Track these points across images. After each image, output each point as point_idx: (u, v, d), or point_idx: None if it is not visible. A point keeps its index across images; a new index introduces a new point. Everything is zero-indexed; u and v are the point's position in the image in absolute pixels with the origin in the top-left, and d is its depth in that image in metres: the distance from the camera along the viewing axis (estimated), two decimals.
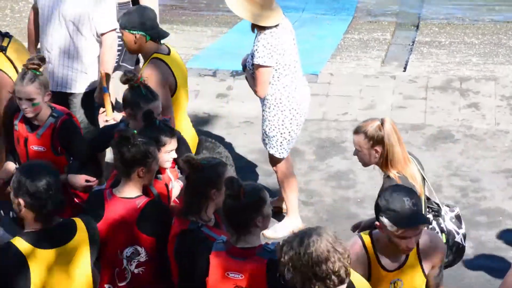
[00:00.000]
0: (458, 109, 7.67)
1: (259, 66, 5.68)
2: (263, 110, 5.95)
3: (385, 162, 4.45)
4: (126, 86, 4.74)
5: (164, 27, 9.59)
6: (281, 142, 5.85)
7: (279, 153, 5.90)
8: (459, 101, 7.78)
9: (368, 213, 6.28)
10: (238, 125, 7.47)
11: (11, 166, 4.93)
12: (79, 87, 5.81)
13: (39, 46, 5.98)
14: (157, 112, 4.62)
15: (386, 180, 4.49)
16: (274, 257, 3.57)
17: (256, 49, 5.69)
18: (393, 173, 4.45)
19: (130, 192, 4.14)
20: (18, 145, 4.87)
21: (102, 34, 5.68)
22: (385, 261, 3.71)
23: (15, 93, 4.76)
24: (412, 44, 9.15)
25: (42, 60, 4.77)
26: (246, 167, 6.83)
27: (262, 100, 5.90)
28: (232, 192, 3.65)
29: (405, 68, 8.46)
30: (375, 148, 4.43)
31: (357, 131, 4.47)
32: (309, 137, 7.12)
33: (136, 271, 4.13)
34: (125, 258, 4.12)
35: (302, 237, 3.15)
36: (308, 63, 8.49)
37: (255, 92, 5.85)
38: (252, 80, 5.85)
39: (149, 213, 4.09)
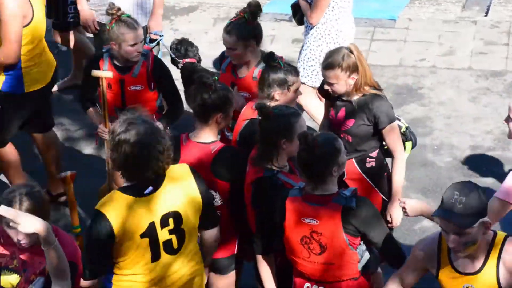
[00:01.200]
0: None
1: None
2: (306, 38, 5.90)
3: (359, 84, 4.46)
4: None
5: None
6: (317, 72, 5.69)
7: (312, 81, 5.87)
8: None
9: (444, 160, 6.21)
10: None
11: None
12: None
13: None
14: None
15: (374, 97, 4.49)
16: (349, 203, 3.63)
17: None
18: (368, 90, 4.48)
19: (206, 137, 4.18)
20: (109, 90, 4.90)
21: None
22: (458, 262, 3.46)
23: (124, 41, 4.74)
24: None
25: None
26: None
27: (309, 28, 5.86)
28: (305, 146, 3.66)
29: (486, 13, 8.21)
30: (352, 76, 4.43)
31: (330, 66, 4.42)
32: (385, 83, 7.02)
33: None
34: None
35: None
36: (386, 8, 8.35)
37: (309, 18, 5.79)
38: (308, 5, 5.80)
39: (223, 158, 4.13)
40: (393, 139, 4.54)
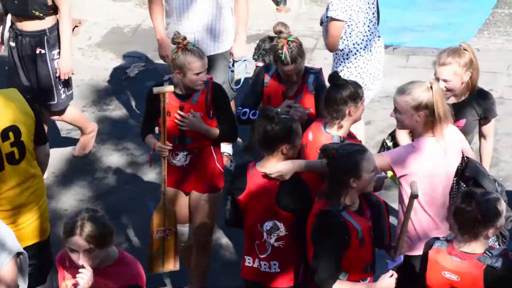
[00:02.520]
0: None
1: (332, 19, 5.67)
2: (333, 65, 5.95)
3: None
4: None
5: (308, 0, 9.67)
6: None
7: None
8: None
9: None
10: (378, 100, 7.38)
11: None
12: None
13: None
14: (294, 70, 4.80)
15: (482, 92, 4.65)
16: (494, 264, 3.52)
17: (331, 1, 5.69)
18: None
19: (267, 167, 4.20)
20: (168, 118, 4.90)
21: None
22: None
23: (190, 69, 4.79)
24: None
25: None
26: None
27: (334, 54, 5.92)
28: (470, 208, 3.57)
29: None
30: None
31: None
32: None
33: (276, 244, 4.21)
34: (265, 231, 4.21)
35: None
36: (454, 38, 8.25)
37: (326, 45, 5.87)
38: (325, 34, 5.84)
39: (288, 189, 4.15)
40: (492, 127, 4.91)
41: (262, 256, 4.24)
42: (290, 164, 4.18)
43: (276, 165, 4.17)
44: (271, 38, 6.22)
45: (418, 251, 4.08)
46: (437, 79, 4.65)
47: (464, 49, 4.64)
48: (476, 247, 3.59)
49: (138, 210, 6.09)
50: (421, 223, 4.24)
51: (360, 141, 4.61)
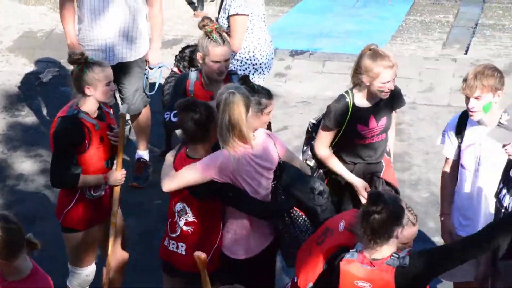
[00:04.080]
0: None
1: (237, 15, 5.65)
2: (231, 64, 5.71)
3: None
4: None
5: None
6: None
7: None
8: None
9: (422, 195, 6.20)
10: (295, 105, 7.44)
11: None
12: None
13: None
14: (225, 57, 4.69)
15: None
16: (403, 264, 3.54)
17: (230, 2, 5.66)
18: None
19: (196, 153, 4.22)
20: (101, 144, 4.65)
21: None
22: None
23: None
24: (475, 27, 8.95)
25: None
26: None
27: (233, 55, 5.70)
28: (377, 208, 3.55)
29: (466, 51, 8.29)
30: None
31: None
32: None
33: (185, 228, 4.25)
34: (176, 212, 4.25)
35: None
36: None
37: (233, 45, 5.43)
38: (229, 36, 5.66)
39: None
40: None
41: (172, 235, 4.29)
42: None
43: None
44: (189, 47, 6.21)
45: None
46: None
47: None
48: (386, 251, 3.60)
49: (52, 218, 5.95)
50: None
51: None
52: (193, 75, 4.83)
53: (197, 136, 4.21)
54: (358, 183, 4.71)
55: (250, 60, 5.82)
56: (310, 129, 4.92)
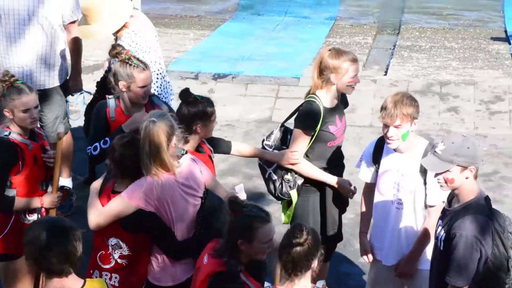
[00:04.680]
0: (437, 113, 7.68)
1: None
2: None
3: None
4: None
5: None
6: None
7: None
8: (439, 105, 7.78)
9: (348, 216, 6.25)
10: (219, 128, 7.42)
11: None
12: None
13: None
14: (150, 81, 4.67)
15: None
16: None
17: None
18: None
19: (124, 187, 4.15)
20: (35, 165, 4.59)
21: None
22: None
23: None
24: (393, 48, 9.15)
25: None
26: (227, 170, 6.79)
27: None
28: (300, 240, 3.49)
29: (386, 72, 8.46)
30: None
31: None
32: None
33: (119, 261, 4.17)
34: (110, 245, 4.17)
35: None
36: (290, 67, 8.50)
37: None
38: None
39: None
40: None
41: (104, 267, 4.20)
42: None
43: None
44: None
45: None
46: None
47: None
48: (304, 284, 3.54)
49: None
50: None
51: (210, 153, 4.63)
52: (111, 102, 4.77)
53: (132, 171, 4.14)
54: (342, 181, 4.89)
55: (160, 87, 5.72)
56: (267, 148, 4.89)
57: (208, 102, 4.53)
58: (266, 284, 3.58)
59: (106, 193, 4.18)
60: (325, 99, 4.77)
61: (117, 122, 4.70)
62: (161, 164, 4.04)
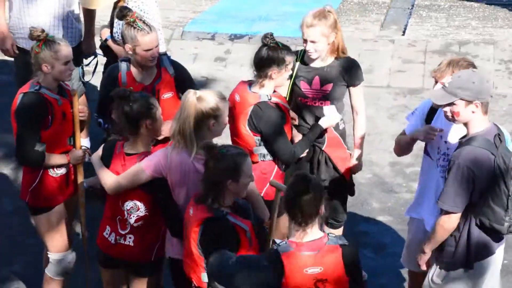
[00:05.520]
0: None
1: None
2: None
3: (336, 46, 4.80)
4: None
5: None
6: None
7: None
8: None
9: (365, 176, 6.26)
10: None
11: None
12: None
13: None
14: (156, 43, 4.65)
15: (349, 59, 4.90)
16: (344, 243, 3.59)
17: None
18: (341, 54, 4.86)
19: (135, 148, 4.17)
20: (64, 120, 4.63)
21: None
22: None
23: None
24: (412, 8, 9.05)
25: None
26: None
27: None
28: (304, 188, 3.56)
29: (404, 32, 8.38)
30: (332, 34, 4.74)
31: (314, 24, 4.69)
32: None
33: (135, 224, 4.20)
34: (126, 210, 4.19)
35: None
36: None
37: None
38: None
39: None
40: (362, 95, 4.97)
41: (121, 232, 4.23)
42: None
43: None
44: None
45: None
46: (305, 41, 4.75)
47: (328, 11, 4.79)
48: (316, 231, 3.61)
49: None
50: None
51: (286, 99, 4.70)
52: (123, 65, 4.77)
53: (125, 130, 4.17)
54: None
55: None
56: None
57: (289, 51, 4.59)
58: (278, 240, 3.64)
59: (119, 159, 4.19)
60: (306, 56, 4.81)
61: (130, 87, 4.62)
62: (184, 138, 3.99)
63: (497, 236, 4.04)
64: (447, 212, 3.93)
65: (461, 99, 3.85)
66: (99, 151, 4.31)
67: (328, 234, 3.62)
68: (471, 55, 7.84)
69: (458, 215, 3.93)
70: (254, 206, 4.05)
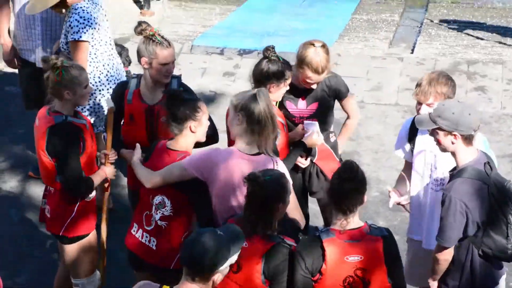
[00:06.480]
0: (465, 92, 7.60)
1: (75, 42, 5.29)
2: None
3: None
4: None
5: (172, 4, 9.62)
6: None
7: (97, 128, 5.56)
8: (466, 84, 7.71)
9: (372, 194, 6.25)
10: None
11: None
12: None
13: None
14: (173, 59, 4.65)
15: (330, 77, 4.89)
16: (384, 234, 3.66)
17: (70, 25, 5.29)
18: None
19: (177, 146, 4.21)
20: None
21: None
22: None
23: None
24: (421, 26, 9.06)
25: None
26: None
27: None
28: (350, 175, 3.63)
29: (412, 50, 8.38)
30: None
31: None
32: None
33: (159, 222, 4.20)
34: (154, 205, 4.21)
35: None
36: None
37: None
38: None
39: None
40: (354, 103, 5.10)
41: (146, 228, 4.25)
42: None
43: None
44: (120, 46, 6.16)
45: None
46: (307, 77, 4.74)
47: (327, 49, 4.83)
48: (357, 220, 3.67)
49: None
50: None
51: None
52: (133, 82, 4.75)
53: (170, 129, 4.20)
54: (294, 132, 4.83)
55: (96, 85, 5.48)
56: None
57: (288, 65, 4.63)
58: (320, 227, 3.71)
59: (159, 153, 4.21)
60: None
61: (133, 106, 4.67)
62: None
63: (499, 264, 4.01)
64: (441, 247, 3.93)
65: (439, 128, 3.86)
66: (137, 153, 4.33)
67: (370, 225, 3.69)
68: (480, 75, 7.84)
69: (452, 248, 3.92)
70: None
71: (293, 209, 4.06)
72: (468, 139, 3.87)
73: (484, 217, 3.85)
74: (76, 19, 5.28)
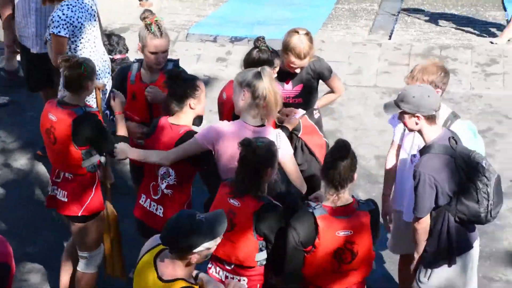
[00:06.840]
0: None
1: (54, 35, 5.19)
2: None
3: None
4: None
5: None
6: None
7: None
8: None
9: None
10: None
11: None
12: None
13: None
14: (163, 49, 4.56)
15: (314, 61, 4.85)
16: (371, 208, 3.65)
17: (52, 19, 5.21)
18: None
19: (178, 121, 4.19)
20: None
21: None
22: None
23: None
24: (398, 14, 8.97)
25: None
26: None
27: None
28: (342, 154, 3.59)
29: (390, 37, 8.30)
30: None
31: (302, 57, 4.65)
32: None
33: (165, 191, 4.20)
34: (159, 175, 4.20)
35: None
36: None
37: (53, 62, 5.29)
38: (50, 51, 5.33)
39: (186, 139, 4.12)
40: (338, 82, 5.02)
41: (154, 197, 4.24)
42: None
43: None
44: (108, 35, 6.10)
45: None
46: (291, 62, 4.68)
47: (311, 37, 4.79)
48: (348, 197, 3.63)
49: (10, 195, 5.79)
50: None
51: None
52: (135, 66, 4.73)
53: (171, 106, 4.18)
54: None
55: None
56: None
57: (277, 54, 4.57)
58: (313, 204, 3.63)
59: (162, 127, 4.18)
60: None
61: (135, 86, 4.65)
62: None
63: (473, 228, 3.99)
64: (416, 218, 3.92)
65: (403, 111, 3.83)
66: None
67: (358, 200, 3.66)
68: (451, 59, 7.78)
69: (427, 217, 3.90)
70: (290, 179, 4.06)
71: (296, 177, 4.10)
72: (430, 119, 3.85)
73: (455, 187, 3.83)
74: (58, 15, 5.19)
